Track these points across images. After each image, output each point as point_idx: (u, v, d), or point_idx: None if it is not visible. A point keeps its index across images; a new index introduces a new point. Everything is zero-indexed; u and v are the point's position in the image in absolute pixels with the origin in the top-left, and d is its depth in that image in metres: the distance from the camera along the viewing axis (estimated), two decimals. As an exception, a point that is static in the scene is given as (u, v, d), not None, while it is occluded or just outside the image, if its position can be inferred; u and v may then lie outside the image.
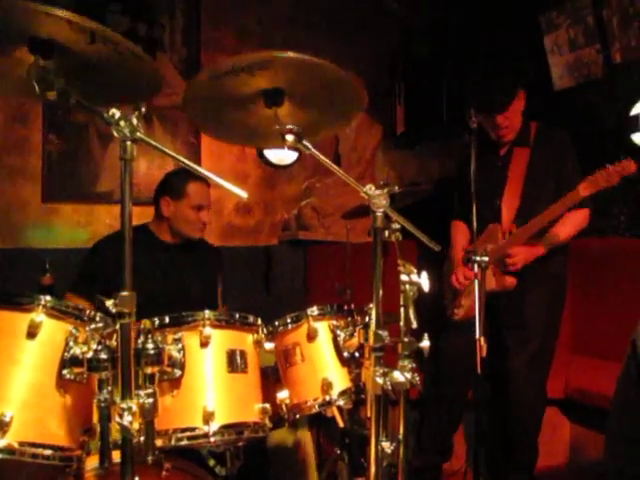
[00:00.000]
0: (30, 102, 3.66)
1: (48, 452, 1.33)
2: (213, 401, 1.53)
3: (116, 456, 1.25)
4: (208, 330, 1.57)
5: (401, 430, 1.47)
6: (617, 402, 1.34)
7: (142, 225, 2.48)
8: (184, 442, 1.50)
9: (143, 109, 1.23)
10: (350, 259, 2.95)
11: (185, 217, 2.47)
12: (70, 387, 1.37)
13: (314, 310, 1.76)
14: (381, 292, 1.42)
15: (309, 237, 4.23)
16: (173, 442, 1.50)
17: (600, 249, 3.10)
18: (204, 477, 1.70)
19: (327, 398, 1.69)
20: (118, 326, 1.21)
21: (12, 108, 3.80)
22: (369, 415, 1.42)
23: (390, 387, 1.38)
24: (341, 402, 1.70)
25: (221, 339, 1.60)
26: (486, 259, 2.08)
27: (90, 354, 1.28)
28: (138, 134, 1.21)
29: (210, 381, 1.56)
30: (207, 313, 1.59)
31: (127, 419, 1.18)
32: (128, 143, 1.21)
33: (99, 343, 1.31)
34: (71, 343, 1.37)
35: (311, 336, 1.74)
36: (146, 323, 1.51)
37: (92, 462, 1.45)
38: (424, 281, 1.46)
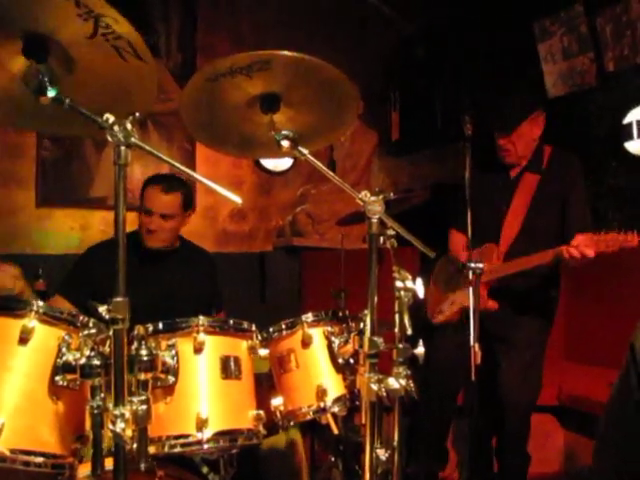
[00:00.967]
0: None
1: (40, 459, 1.32)
2: (207, 408, 1.52)
3: (109, 463, 1.24)
4: (202, 336, 1.56)
5: (396, 437, 1.47)
6: (612, 408, 1.33)
7: (134, 232, 2.44)
8: (177, 449, 1.50)
9: (137, 114, 1.23)
10: (344, 266, 2.95)
11: (139, 221, 2.40)
12: (62, 394, 1.36)
13: (309, 316, 1.75)
14: (376, 298, 1.42)
15: (304, 243, 4.23)
16: (166, 449, 1.49)
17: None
18: (197, 484, 1.69)
19: (321, 405, 1.68)
20: (111, 332, 1.20)
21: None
22: (364, 422, 1.42)
23: (385, 394, 1.38)
24: (335, 409, 1.69)
25: (215, 345, 1.59)
26: (481, 266, 2.07)
27: (83, 360, 1.27)
28: (132, 139, 1.21)
29: (204, 388, 1.55)
30: (201, 319, 1.58)
31: (120, 426, 1.17)
32: (122, 148, 1.20)
33: (92, 349, 1.30)
34: (64, 349, 1.36)
35: (306, 342, 1.73)
36: (140, 329, 1.50)
37: (84, 469, 1.44)
38: (419, 288, 1.46)
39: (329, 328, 1.76)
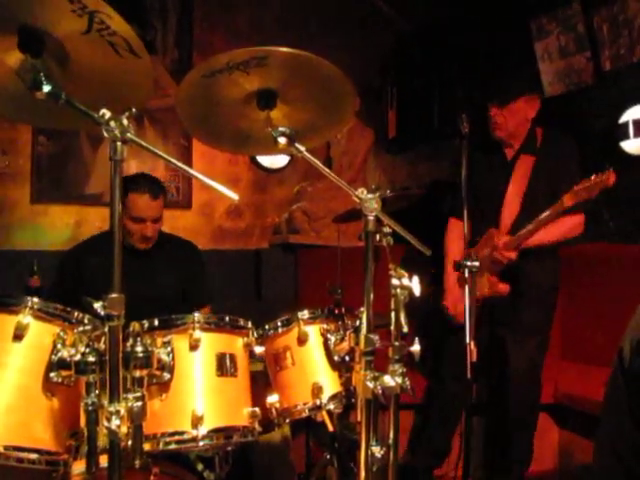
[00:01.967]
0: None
1: (34, 456, 1.31)
2: (202, 405, 1.52)
3: (103, 460, 1.23)
4: (198, 333, 1.56)
5: (391, 435, 1.47)
6: (605, 409, 1.34)
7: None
8: (172, 446, 1.49)
9: (133, 109, 1.22)
10: (341, 263, 2.95)
11: (126, 227, 2.36)
12: (57, 390, 1.36)
13: (305, 314, 1.75)
14: (372, 296, 1.42)
15: (300, 241, 4.22)
16: (161, 446, 1.48)
17: (589, 255, 3.12)
18: (192, 482, 1.69)
19: (317, 402, 1.68)
20: (107, 329, 1.20)
21: (1, 108, 3.77)
22: (359, 419, 1.42)
23: (380, 391, 1.38)
24: (331, 406, 1.69)
25: (211, 342, 1.59)
26: (477, 264, 2.07)
27: (78, 357, 1.27)
28: (128, 135, 1.20)
29: (199, 385, 1.55)
30: (197, 316, 1.58)
31: (115, 423, 1.16)
32: (118, 144, 1.20)
33: (87, 346, 1.30)
34: (59, 345, 1.35)
35: (302, 340, 1.73)
36: (135, 326, 1.49)
37: (79, 466, 1.44)
38: (415, 285, 1.46)
39: (325, 325, 1.76)
